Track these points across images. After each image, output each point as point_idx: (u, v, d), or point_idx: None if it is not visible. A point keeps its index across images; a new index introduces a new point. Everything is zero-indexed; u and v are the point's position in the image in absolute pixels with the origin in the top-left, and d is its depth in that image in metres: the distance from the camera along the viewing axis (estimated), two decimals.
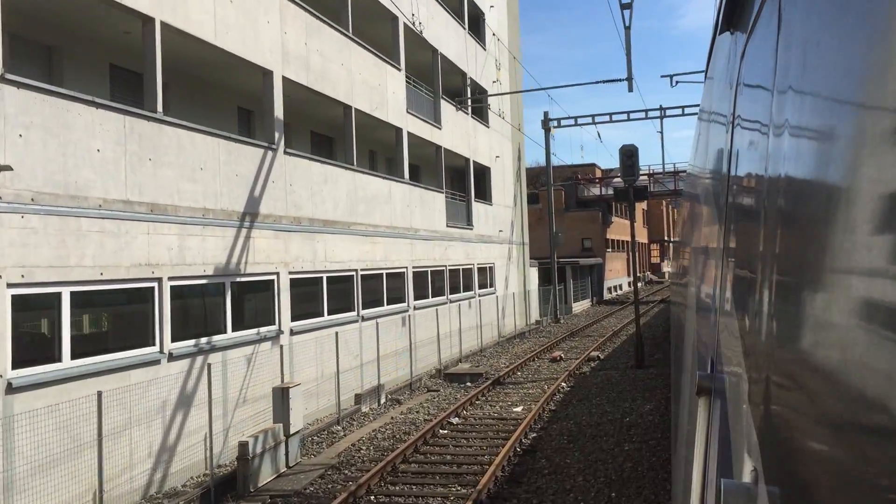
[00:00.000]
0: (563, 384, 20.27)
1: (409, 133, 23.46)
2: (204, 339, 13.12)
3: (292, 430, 13.05)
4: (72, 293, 10.39)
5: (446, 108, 27.06)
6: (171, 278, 12.29)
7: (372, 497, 11.21)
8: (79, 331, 11.02)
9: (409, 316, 22.38)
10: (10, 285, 9.41)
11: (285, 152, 16.17)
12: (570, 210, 55.56)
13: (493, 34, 33.50)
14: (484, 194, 31.83)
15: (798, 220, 0.90)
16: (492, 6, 33.58)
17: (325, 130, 22.24)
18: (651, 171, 54.18)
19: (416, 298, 23.07)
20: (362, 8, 21.14)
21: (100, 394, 9.90)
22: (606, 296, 56.40)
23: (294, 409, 13.13)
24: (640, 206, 73.77)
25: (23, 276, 9.57)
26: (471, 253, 28.75)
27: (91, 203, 10.76)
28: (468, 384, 21.06)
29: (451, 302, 26.07)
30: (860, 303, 0.60)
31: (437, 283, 25.06)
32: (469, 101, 29.25)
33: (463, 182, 30.28)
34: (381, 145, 25.41)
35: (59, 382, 10.00)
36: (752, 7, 1.78)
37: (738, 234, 1.82)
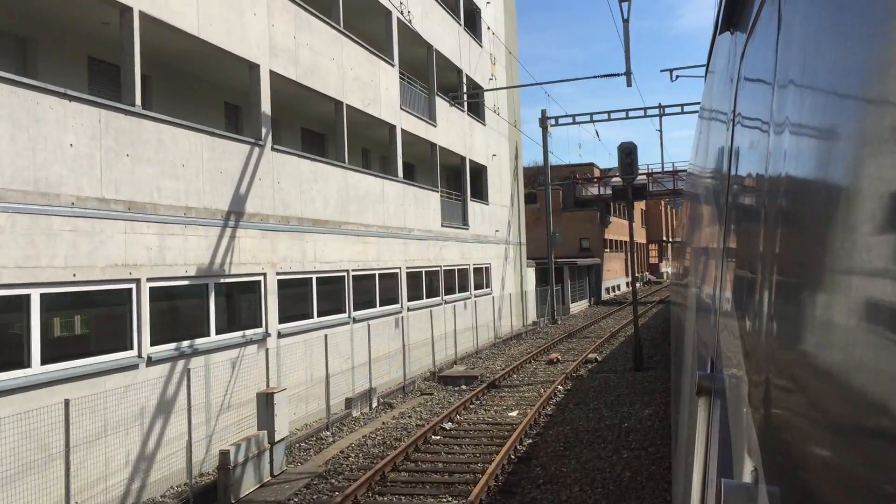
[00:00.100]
0: (560, 387, 19.80)
1: (402, 130, 22.93)
2: (186, 343, 12.61)
3: (277, 438, 12.54)
4: (42, 295, 9.88)
5: (441, 105, 26.54)
6: (150, 279, 11.79)
7: None
8: (50, 335, 10.49)
9: (403, 317, 21.88)
10: None
11: (273, 149, 15.65)
12: (567, 210, 55.12)
13: (490, 30, 33.01)
14: (480, 193, 31.30)
15: (798, 220, 0.90)
16: (488, 2, 33.09)
17: (317, 127, 21.71)
18: (650, 171, 53.73)
19: (409, 300, 22.57)
20: (354, 1, 20.63)
21: (67, 402, 9.36)
22: (604, 296, 56.01)
23: (279, 416, 12.63)
24: (639, 206, 73.38)
25: None
26: (466, 253, 28.24)
27: (63, 201, 10.24)
28: (463, 387, 20.56)
29: (446, 303, 25.56)
30: (861, 303, 0.59)
31: (431, 284, 24.56)
32: (465, 97, 28.74)
33: (458, 181, 29.78)
34: (374, 143, 24.90)
35: (27, 389, 9.48)
36: (751, 7, 1.79)
37: (739, 234, 1.83)
